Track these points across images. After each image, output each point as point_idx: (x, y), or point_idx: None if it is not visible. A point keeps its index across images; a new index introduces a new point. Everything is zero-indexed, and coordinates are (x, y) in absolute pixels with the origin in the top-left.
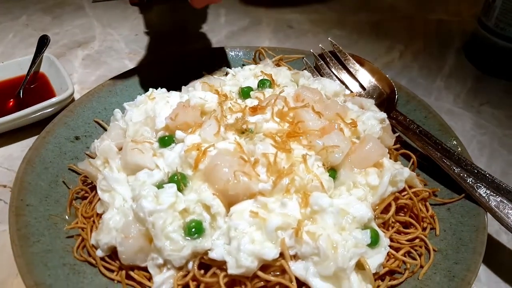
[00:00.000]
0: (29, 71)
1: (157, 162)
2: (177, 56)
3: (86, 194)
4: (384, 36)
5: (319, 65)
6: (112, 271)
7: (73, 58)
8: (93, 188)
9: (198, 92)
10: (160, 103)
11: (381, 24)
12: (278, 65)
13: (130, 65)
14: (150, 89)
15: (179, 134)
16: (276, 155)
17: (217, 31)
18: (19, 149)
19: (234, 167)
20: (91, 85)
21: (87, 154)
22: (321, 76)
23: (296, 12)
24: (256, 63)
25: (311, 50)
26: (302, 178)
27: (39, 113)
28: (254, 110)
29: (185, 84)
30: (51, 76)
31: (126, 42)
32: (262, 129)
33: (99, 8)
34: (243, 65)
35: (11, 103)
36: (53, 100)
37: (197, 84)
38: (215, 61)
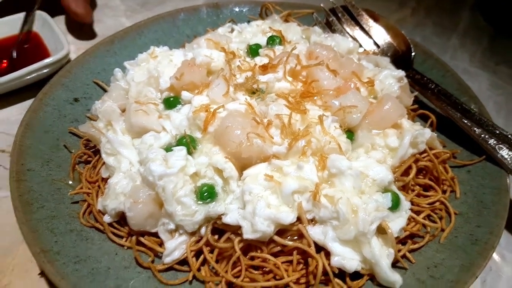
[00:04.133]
0: (21, 30)
1: (164, 124)
2: (177, 13)
3: (89, 158)
4: None
5: (330, 21)
6: (121, 237)
7: (66, 16)
8: (97, 151)
9: (204, 50)
10: (163, 62)
11: None
12: (286, 21)
13: (127, 23)
14: (152, 47)
15: (185, 94)
16: (290, 116)
17: None
18: (17, 112)
19: (247, 129)
20: (86, 45)
21: (88, 117)
22: (333, 32)
23: None
24: (262, 19)
25: (321, 5)
26: (319, 140)
27: (34, 74)
28: (265, 68)
29: (188, 42)
30: (45, 35)
31: None
32: (274, 89)
33: None
34: (249, 21)
35: (4, 64)
36: (49, 60)
37: (202, 41)
38: (219, 17)
